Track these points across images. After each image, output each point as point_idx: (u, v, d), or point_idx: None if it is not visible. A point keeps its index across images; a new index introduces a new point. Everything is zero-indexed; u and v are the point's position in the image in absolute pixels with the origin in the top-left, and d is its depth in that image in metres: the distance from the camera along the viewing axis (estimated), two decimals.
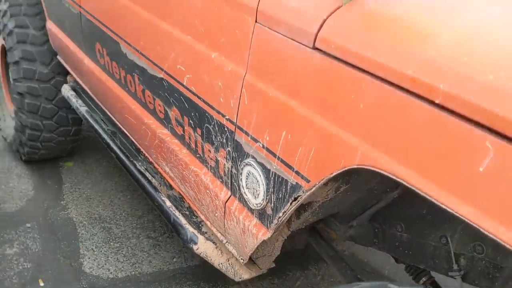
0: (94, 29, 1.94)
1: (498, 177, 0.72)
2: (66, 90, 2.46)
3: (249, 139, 1.19)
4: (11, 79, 2.61)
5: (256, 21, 1.14)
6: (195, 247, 1.50)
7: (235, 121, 1.23)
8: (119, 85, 1.86)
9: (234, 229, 1.34)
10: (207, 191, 1.41)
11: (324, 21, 0.99)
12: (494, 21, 0.88)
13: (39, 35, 2.55)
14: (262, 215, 1.23)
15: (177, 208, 1.61)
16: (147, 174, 1.78)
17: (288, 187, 1.10)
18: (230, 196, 1.34)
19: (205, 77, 1.31)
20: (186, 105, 1.42)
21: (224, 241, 1.45)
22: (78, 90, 2.44)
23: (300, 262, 2.37)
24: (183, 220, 1.55)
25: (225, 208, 1.35)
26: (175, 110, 1.49)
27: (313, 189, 1.03)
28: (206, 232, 1.54)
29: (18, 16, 2.55)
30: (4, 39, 2.63)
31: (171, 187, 1.72)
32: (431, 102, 0.79)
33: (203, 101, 1.34)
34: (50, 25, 2.48)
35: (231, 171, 1.30)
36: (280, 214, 1.15)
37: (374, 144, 0.89)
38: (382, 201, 1.41)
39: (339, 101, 0.95)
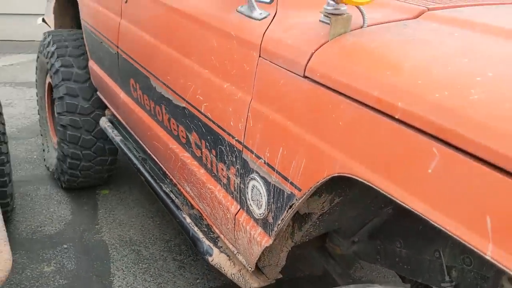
0: (129, 67, 2.14)
1: (443, 177, 0.86)
2: (104, 122, 2.66)
3: (254, 156, 1.34)
4: (55, 113, 2.83)
5: (260, 56, 1.33)
6: (210, 259, 1.63)
7: (242, 141, 1.38)
8: (149, 115, 2.03)
9: (242, 238, 1.47)
10: (220, 206, 1.55)
11: (312, 54, 1.16)
12: (452, 52, 1.04)
13: (82, 74, 2.78)
14: (265, 224, 1.36)
15: (196, 225, 1.76)
16: (172, 195, 1.94)
17: (285, 196, 1.24)
18: (239, 210, 1.47)
19: (219, 104, 1.49)
20: (204, 129, 1.59)
21: (235, 252, 1.59)
22: (114, 122, 2.63)
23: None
24: (200, 235, 1.71)
25: (235, 220, 1.49)
26: (194, 135, 1.66)
27: (304, 196, 1.17)
28: (221, 246, 1.68)
29: (64, 57, 2.79)
30: (51, 77, 2.86)
31: (192, 207, 1.87)
32: (392, 117, 0.95)
33: (217, 125, 1.50)
34: (92, 64, 2.72)
35: (240, 186, 1.44)
36: (279, 222, 1.29)
37: (351, 155, 1.03)
38: (379, 217, 1.54)
39: (324, 120, 1.11)
